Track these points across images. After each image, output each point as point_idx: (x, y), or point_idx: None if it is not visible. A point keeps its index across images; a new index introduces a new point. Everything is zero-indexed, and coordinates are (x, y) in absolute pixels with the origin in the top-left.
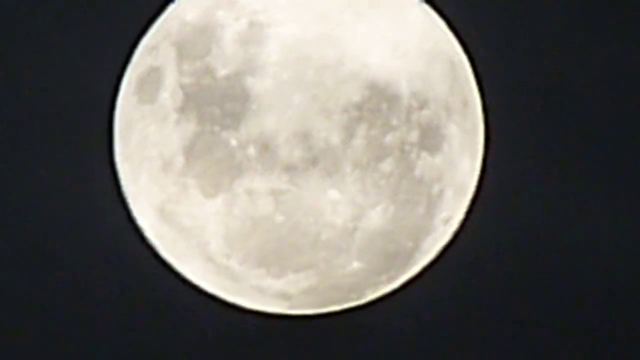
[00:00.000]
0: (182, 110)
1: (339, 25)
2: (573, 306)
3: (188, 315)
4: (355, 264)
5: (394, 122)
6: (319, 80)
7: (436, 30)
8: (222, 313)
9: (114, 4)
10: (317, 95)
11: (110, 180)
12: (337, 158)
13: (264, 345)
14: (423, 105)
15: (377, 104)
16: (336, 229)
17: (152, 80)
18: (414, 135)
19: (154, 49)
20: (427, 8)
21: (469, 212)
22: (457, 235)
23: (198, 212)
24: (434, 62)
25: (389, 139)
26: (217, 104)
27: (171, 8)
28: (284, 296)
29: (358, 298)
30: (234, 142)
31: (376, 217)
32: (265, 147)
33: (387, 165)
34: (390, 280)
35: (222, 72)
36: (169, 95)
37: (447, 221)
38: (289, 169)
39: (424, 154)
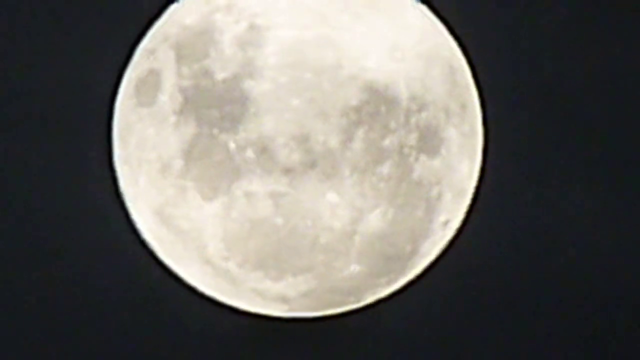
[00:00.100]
0: (180, 113)
1: (337, 28)
2: (573, 309)
3: (186, 318)
4: (354, 267)
5: (393, 125)
6: (318, 83)
7: (435, 32)
8: (220, 316)
9: (113, 5)
10: (315, 98)
11: (109, 182)
12: (336, 161)
13: (262, 349)
14: (422, 108)
15: (375, 106)
16: (335, 232)
17: (151, 83)
18: (413, 138)
19: (152, 51)
20: (425, 9)
21: (468, 215)
22: (455, 239)
23: (196, 214)
24: (432, 65)
25: (387, 142)
26: (215, 106)
27: (171, 10)
28: (283, 299)
29: (357, 301)
30: (232, 145)
31: (375, 220)
32: (264, 150)
33: (385, 168)
34: (389, 283)
35: (220, 75)
36: (167, 98)
37: (445, 224)
38: (288, 171)
39: (422, 157)
